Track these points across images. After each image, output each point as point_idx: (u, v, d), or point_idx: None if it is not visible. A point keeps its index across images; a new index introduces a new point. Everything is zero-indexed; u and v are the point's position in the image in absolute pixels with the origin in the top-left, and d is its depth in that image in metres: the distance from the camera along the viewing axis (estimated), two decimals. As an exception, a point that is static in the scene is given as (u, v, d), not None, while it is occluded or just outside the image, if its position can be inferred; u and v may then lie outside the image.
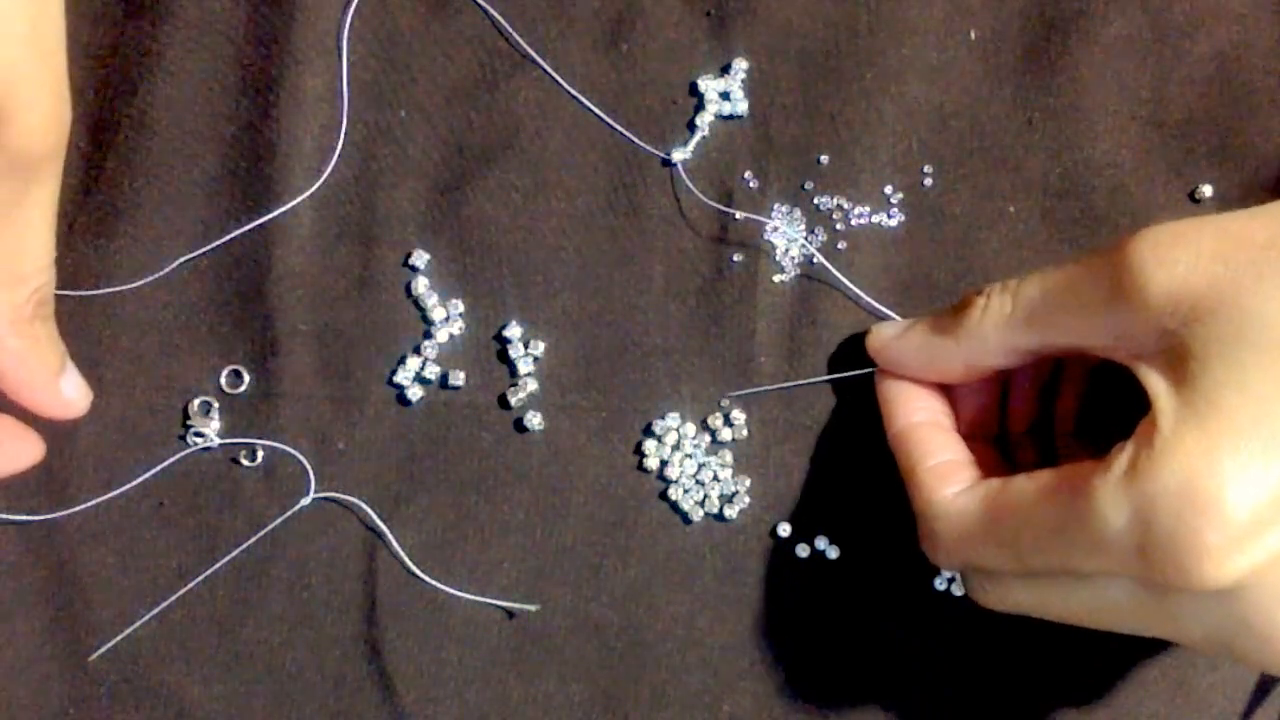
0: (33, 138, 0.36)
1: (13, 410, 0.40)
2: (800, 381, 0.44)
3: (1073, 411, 0.43)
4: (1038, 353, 0.38)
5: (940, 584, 0.43)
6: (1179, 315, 0.33)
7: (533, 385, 0.44)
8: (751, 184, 0.44)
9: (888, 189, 0.44)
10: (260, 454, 0.44)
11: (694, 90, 0.45)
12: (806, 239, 0.44)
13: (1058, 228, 0.44)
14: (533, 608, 0.43)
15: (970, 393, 0.42)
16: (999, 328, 0.38)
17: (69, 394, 0.41)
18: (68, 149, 0.38)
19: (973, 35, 0.45)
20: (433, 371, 0.44)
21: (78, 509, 0.43)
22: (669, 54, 0.45)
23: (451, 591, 0.43)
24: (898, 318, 0.44)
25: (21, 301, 0.38)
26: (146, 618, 0.43)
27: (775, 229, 0.44)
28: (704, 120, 0.44)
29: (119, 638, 0.43)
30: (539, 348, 0.44)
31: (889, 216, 0.44)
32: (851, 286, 0.44)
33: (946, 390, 0.42)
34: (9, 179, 0.36)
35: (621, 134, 0.44)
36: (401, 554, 0.43)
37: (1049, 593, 0.37)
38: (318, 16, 0.45)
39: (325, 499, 0.44)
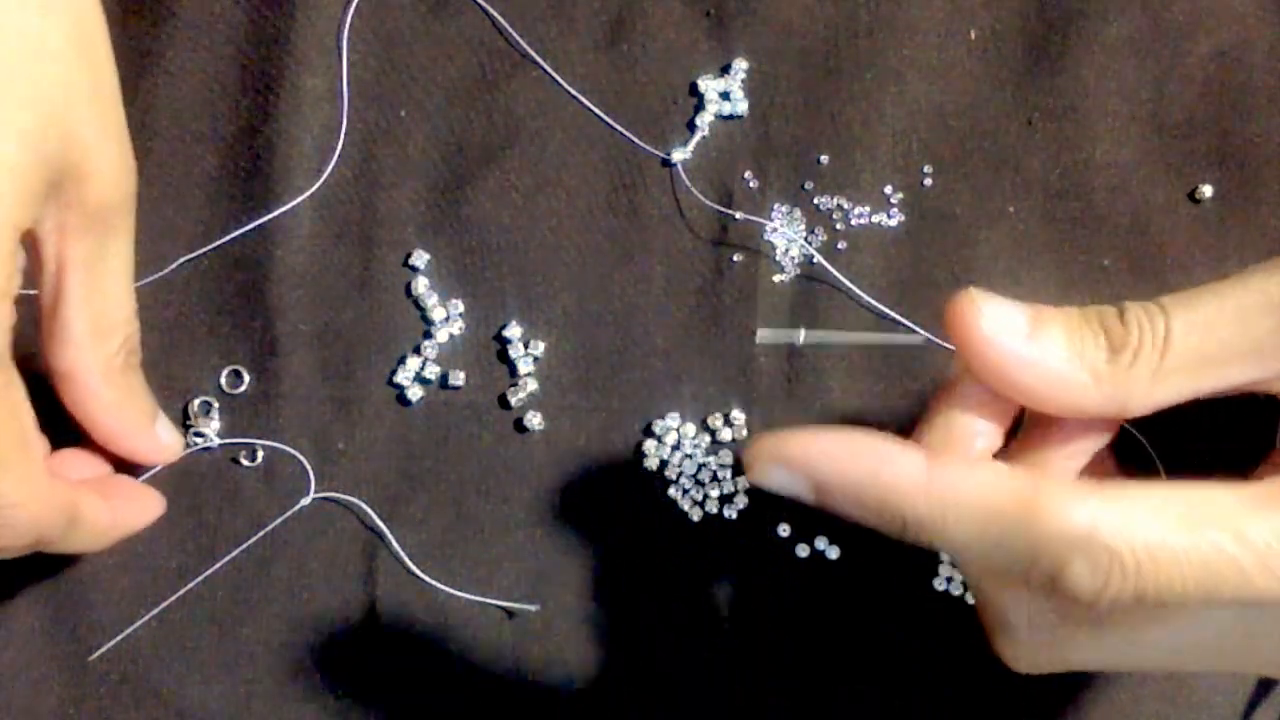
0: (108, 191, 0.36)
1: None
2: (871, 335, 0.40)
3: None
4: (1199, 397, 0.33)
5: (940, 584, 0.43)
6: None
7: (533, 385, 0.44)
8: (751, 184, 0.44)
9: (888, 189, 0.44)
10: (260, 454, 0.44)
11: (694, 90, 0.45)
12: (806, 239, 0.44)
13: (1058, 228, 0.44)
14: (532, 608, 0.43)
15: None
16: (1151, 380, 0.32)
17: (165, 439, 0.42)
18: None
19: (973, 35, 0.45)
20: (433, 371, 0.44)
21: (78, 509, 0.43)
22: (669, 54, 0.45)
23: (451, 591, 0.43)
24: (898, 317, 0.44)
25: (113, 352, 0.38)
26: (146, 618, 0.43)
27: (775, 229, 0.44)
28: (704, 120, 0.44)
29: (119, 638, 0.43)
30: (539, 348, 0.44)
31: (889, 216, 0.44)
32: (851, 287, 0.44)
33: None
34: (90, 234, 0.36)
35: (621, 134, 0.44)
36: (401, 554, 0.43)
37: (1137, 639, 0.32)
38: (318, 16, 0.45)
39: (325, 499, 0.44)
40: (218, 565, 0.43)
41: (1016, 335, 0.32)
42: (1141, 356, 0.32)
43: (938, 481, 0.31)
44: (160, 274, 0.44)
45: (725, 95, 0.45)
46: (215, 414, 0.44)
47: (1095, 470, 0.36)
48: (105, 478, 0.42)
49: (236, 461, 0.44)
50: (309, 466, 0.43)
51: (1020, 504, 0.30)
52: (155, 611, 0.43)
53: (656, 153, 0.45)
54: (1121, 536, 0.29)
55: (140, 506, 0.42)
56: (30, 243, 0.36)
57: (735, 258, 0.44)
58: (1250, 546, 0.29)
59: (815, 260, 0.44)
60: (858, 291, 0.44)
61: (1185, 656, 0.33)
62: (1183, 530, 0.29)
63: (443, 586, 0.43)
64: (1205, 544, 0.29)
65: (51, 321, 0.38)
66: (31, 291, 0.38)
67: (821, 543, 0.43)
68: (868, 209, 0.44)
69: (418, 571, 0.43)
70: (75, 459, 0.41)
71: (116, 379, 0.39)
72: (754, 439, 0.32)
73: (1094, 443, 0.35)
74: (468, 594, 0.43)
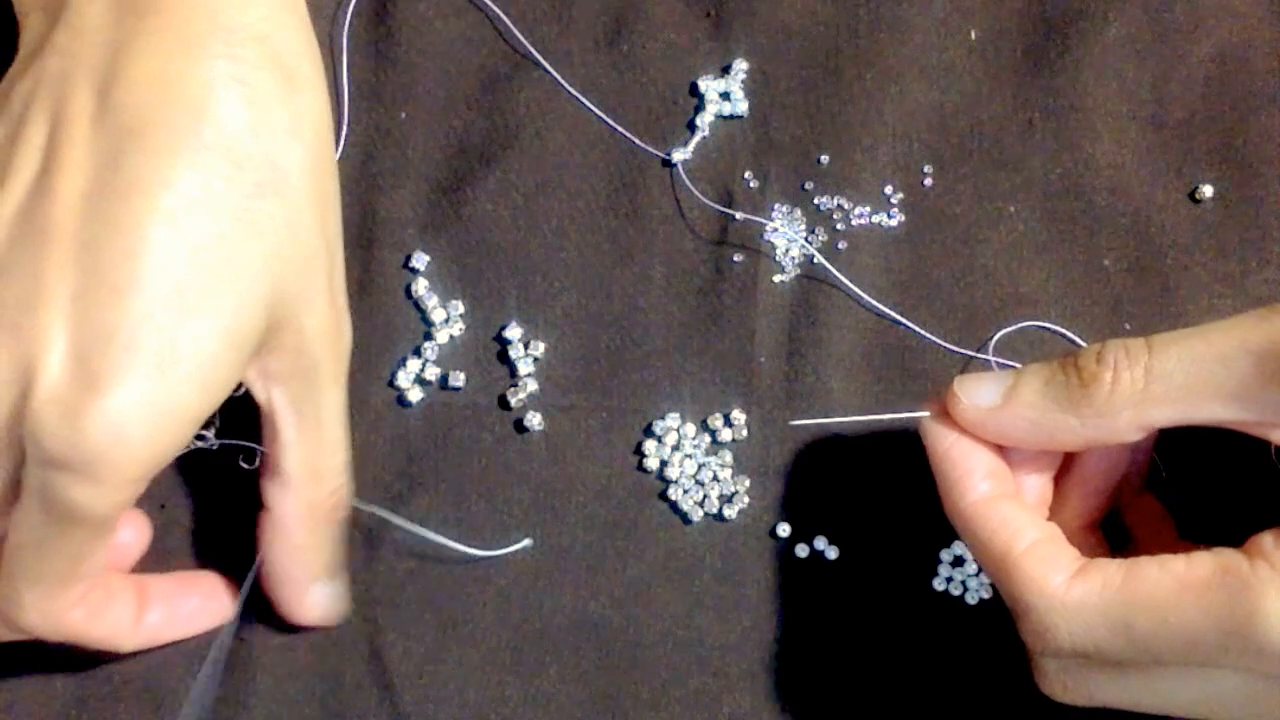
0: (314, 347, 0.38)
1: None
2: (868, 416, 0.42)
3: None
4: (1179, 425, 0.35)
5: (940, 584, 0.43)
6: None
7: (533, 385, 0.44)
8: (751, 184, 0.45)
9: (888, 189, 0.44)
10: (260, 456, 0.44)
11: (694, 90, 0.45)
12: (806, 239, 0.44)
13: (1058, 228, 0.44)
14: (525, 543, 0.43)
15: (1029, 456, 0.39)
16: (1132, 405, 0.35)
17: (314, 600, 0.41)
18: None
19: (973, 35, 0.45)
20: (433, 373, 0.44)
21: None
22: (669, 54, 0.45)
23: (438, 538, 0.43)
24: (898, 317, 0.44)
25: (321, 498, 0.40)
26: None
27: (775, 229, 0.44)
28: (704, 120, 0.44)
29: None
30: (539, 348, 0.44)
31: (889, 216, 0.44)
32: (851, 286, 0.44)
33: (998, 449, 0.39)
34: (296, 380, 0.38)
35: (621, 134, 0.44)
36: (411, 526, 0.43)
37: (1152, 687, 0.35)
38: (318, 16, 0.45)
39: None
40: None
41: (990, 405, 0.37)
42: (1121, 386, 0.35)
43: (972, 508, 0.37)
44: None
45: (725, 95, 0.45)
46: (216, 415, 0.43)
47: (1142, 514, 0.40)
48: (175, 579, 0.42)
49: (237, 463, 0.44)
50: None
51: (1004, 552, 0.36)
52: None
53: (656, 153, 0.45)
54: (1055, 614, 0.35)
55: (190, 619, 0.42)
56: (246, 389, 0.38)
57: (735, 258, 0.44)
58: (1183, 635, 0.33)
59: (815, 260, 0.44)
60: (858, 291, 0.44)
61: (1208, 706, 0.35)
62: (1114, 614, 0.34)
63: (438, 537, 0.43)
64: (1130, 638, 0.34)
65: (268, 458, 0.40)
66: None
67: (821, 543, 0.43)
68: (868, 209, 0.44)
69: (431, 534, 0.43)
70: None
71: (314, 526, 0.40)
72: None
73: (1113, 470, 0.39)
74: (455, 542, 0.43)
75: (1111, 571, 0.34)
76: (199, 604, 0.42)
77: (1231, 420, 0.34)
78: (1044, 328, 0.43)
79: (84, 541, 0.36)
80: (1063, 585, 0.35)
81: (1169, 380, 0.34)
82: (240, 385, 0.43)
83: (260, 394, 0.38)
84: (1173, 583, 0.33)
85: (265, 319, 0.36)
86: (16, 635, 0.38)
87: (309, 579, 0.41)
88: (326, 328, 0.39)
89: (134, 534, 0.41)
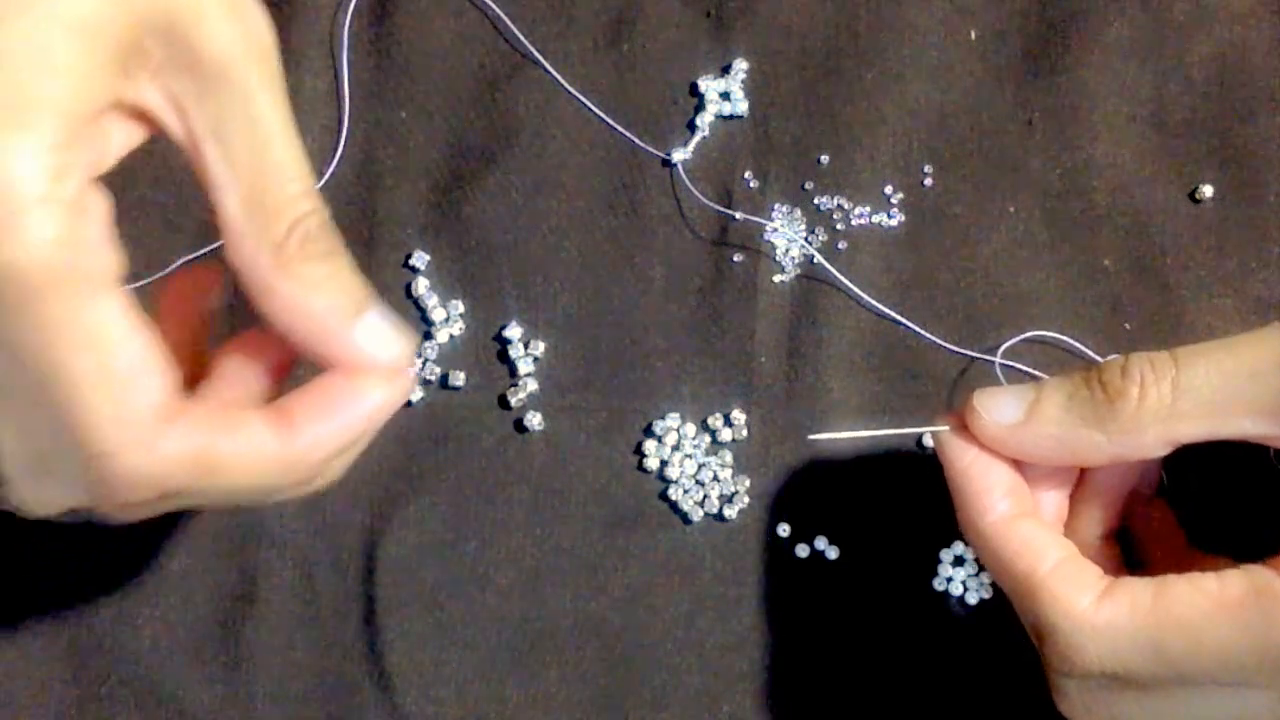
0: (222, 43, 0.31)
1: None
2: (886, 431, 0.42)
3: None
4: (1205, 440, 0.35)
5: (940, 584, 0.43)
6: None
7: (533, 385, 0.44)
8: (751, 184, 0.45)
9: (888, 189, 0.44)
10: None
11: (694, 90, 0.45)
12: (806, 239, 0.44)
13: (1058, 228, 0.44)
14: None
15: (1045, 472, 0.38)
16: (1160, 421, 0.34)
17: (361, 341, 0.33)
18: None
19: (973, 35, 0.45)
20: (433, 372, 0.44)
21: (78, 509, 0.43)
22: (669, 54, 0.45)
23: None
24: (898, 317, 0.44)
25: (280, 236, 0.32)
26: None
27: (775, 229, 0.44)
28: (704, 120, 0.44)
29: None
30: (539, 348, 0.44)
31: (889, 216, 0.44)
32: (851, 286, 0.44)
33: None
34: (212, 98, 0.31)
35: (621, 134, 0.45)
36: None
37: (1177, 708, 0.35)
38: (318, 16, 0.45)
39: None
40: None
41: (1012, 421, 0.36)
42: (1148, 401, 0.34)
43: (991, 528, 0.36)
44: (160, 274, 0.44)
45: (725, 95, 0.45)
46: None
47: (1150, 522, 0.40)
48: (318, 383, 0.33)
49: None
50: (309, 467, 0.43)
51: (1027, 573, 0.35)
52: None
53: (656, 153, 0.45)
54: (1084, 636, 0.34)
55: (355, 406, 0.33)
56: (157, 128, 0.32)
57: (735, 258, 0.44)
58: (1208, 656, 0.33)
59: (815, 260, 0.44)
60: (857, 291, 0.44)
61: None
62: (1141, 637, 0.34)
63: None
64: (1162, 659, 0.34)
65: (211, 213, 0.32)
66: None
67: (821, 543, 0.43)
68: (868, 209, 0.44)
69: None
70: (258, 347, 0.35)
71: (295, 269, 0.32)
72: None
73: (1126, 482, 0.39)
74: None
75: (1140, 591, 0.34)
76: (347, 385, 0.33)
77: (1261, 435, 0.34)
78: (1048, 338, 0.43)
79: (54, 303, 0.29)
80: (1091, 607, 0.34)
81: (1197, 395, 0.34)
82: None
83: (177, 130, 0.31)
84: (1206, 603, 0.33)
85: (138, 9, 0.30)
86: (136, 500, 0.31)
87: (341, 322, 0.33)
88: (222, 20, 0.31)
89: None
